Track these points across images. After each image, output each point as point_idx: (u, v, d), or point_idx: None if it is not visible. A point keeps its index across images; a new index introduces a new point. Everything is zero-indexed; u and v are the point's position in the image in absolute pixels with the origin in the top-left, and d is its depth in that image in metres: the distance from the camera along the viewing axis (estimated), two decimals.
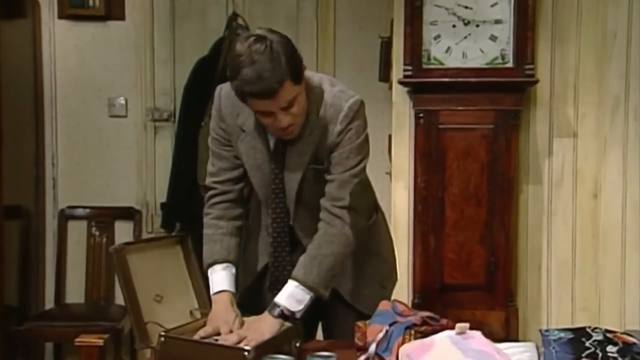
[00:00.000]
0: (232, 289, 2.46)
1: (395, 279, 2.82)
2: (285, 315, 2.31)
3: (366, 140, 2.48)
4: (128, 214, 4.49)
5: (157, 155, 4.50)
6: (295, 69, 2.28)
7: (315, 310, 2.48)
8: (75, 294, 4.47)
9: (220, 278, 2.47)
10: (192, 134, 4.19)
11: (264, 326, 2.29)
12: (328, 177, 2.45)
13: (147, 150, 4.49)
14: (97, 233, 4.46)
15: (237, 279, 2.54)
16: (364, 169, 2.49)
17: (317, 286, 2.36)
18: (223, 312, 2.37)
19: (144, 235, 4.45)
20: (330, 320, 2.68)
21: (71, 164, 4.51)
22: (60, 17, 4.42)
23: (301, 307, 2.34)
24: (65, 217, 4.49)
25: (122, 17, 4.43)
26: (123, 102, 4.48)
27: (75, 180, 4.53)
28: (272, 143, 2.47)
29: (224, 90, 2.52)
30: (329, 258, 2.39)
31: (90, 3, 4.38)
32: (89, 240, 4.46)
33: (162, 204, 4.38)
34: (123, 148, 4.50)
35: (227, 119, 2.52)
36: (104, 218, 4.49)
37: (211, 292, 2.46)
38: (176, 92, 4.43)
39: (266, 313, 2.33)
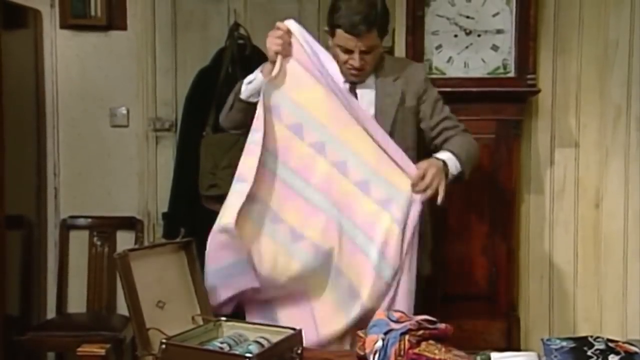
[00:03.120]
0: None
1: None
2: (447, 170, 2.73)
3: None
4: (130, 223, 4.48)
5: (159, 165, 4.49)
6: (384, 24, 2.78)
7: None
8: (76, 303, 4.45)
9: None
10: (194, 144, 4.17)
11: (436, 163, 2.70)
12: (434, 124, 2.92)
13: (148, 160, 4.48)
14: (98, 243, 4.46)
15: None
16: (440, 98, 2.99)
17: (466, 163, 2.80)
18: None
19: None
20: None
21: (73, 174, 4.50)
22: (62, 27, 4.42)
23: (453, 171, 2.76)
24: (66, 226, 4.49)
25: (123, 27, 4.42)
26: (125, 112, 4.48)
27: (76, 190, 4.52)
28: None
29: None
30: (465, 143, 2.87)
31: (92, 13, 4.38)
32: (90, 250, 4.45)
33: (164, 214, 4.37)
34: (125, 158, 4.49)
35: None
36: (105, 228, 4.48)
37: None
38: (178, 101, 4.42)
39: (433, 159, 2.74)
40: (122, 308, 4.23)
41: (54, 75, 4.46)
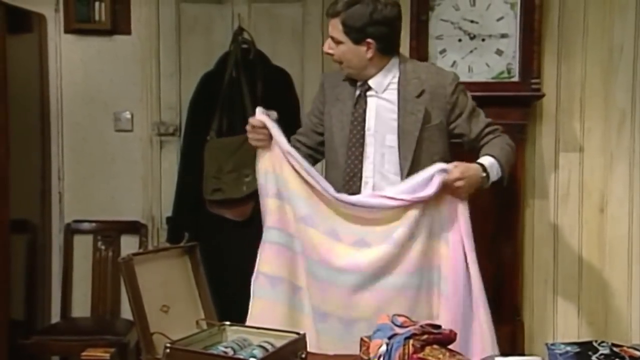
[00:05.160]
0: None
1: None
2: (487, 173, 2.72)
3: (466, 92, 2.91)
4: (134, 228, 4.48)
5: (163, 169, 4.49)
6: (351, 21, 2.73)
7: None
8: (81, 307, 4.45)
9: None
10: (198, 148, 4.17)
11: (471, 166, 2.69)
12: (474, 136, 2.87)
13: (152, 165, 4.48)
14: (103, 247, 4.46)
15: None
16: (477, 106, 2.91)
17: (504, 165, 2.77)
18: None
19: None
20: None
21: (77, 178, 4.50)
22: (67, 31, 4.42)
23: (494, 177, 2.75)
24: (71, 231, 4.49)
25: (128, 32, 4.42)
26: (129, 116, 4.47)
27: (81, 194, 4.52)
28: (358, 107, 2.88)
29: (328, 74, 3.13)
30: (504, 147, 2.83)
31: (97, 17, 4.38)
32: (94, 254, 4.45)
33: (168, 218, 4.36)
34: (129, 162, 4.49)
35: (327, 91, 2.98)
36: (109, 232, 4.48)
37: None
38: (182, 106, 4.41)
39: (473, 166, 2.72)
40: (127, 312, 4.25)
41: (59, 79, 4.46)
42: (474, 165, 2.72)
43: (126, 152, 4.49)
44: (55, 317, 4.48)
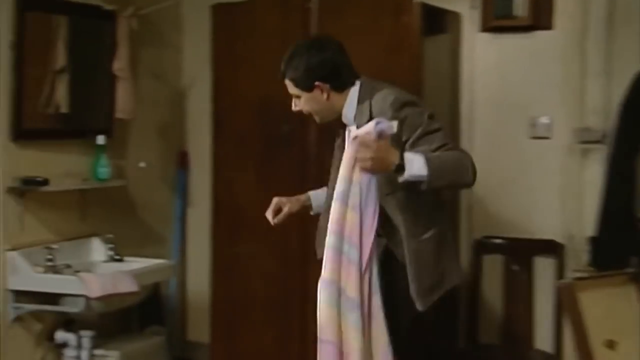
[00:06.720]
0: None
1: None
2: (401, 164, 2.58)
3: (421, 113, 2.80)
4: (549, 247, 4.09)
5: (585, 182, 4.08)
6: (301, 78, 2.87)
7: None
8: (489, 333, 4.20)
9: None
10: (629, 158, 3.77)
11: (391, 150, 2.62)
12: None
13: (573, 177, 4.09)
14: (516, 268, 4.14)
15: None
16: (437, 128, 2.78)
17: (432, 166, 2.60)
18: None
19: (568, 274, 3.98)
20: None
21: (487, 190, 4.22)
22: (483, 29, 4.22)
23: (411, 170, 2.59)
24: (480, 247, 4.24)
25: (549, 26, 4.10)
26: (547, 121, 4.14)
27: (491, 207, 4.26)
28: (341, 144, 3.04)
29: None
30: (448, 155, 2.72)
31: (516, 12, 4.10)
32: (505, 275, 4.17)
33: (590, 238, 3.91)
34: (545, 173, 4.15)
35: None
36: (521, 251, 4.15)
37: None
38: (610, 110, 3.96)
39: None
40: (541, 342, 3.99)
41: (471, 82, 4.30)
42: (394, 151, 2.64)
43: (543, 162, 4.17)
44: (461, 341, 4.27)
